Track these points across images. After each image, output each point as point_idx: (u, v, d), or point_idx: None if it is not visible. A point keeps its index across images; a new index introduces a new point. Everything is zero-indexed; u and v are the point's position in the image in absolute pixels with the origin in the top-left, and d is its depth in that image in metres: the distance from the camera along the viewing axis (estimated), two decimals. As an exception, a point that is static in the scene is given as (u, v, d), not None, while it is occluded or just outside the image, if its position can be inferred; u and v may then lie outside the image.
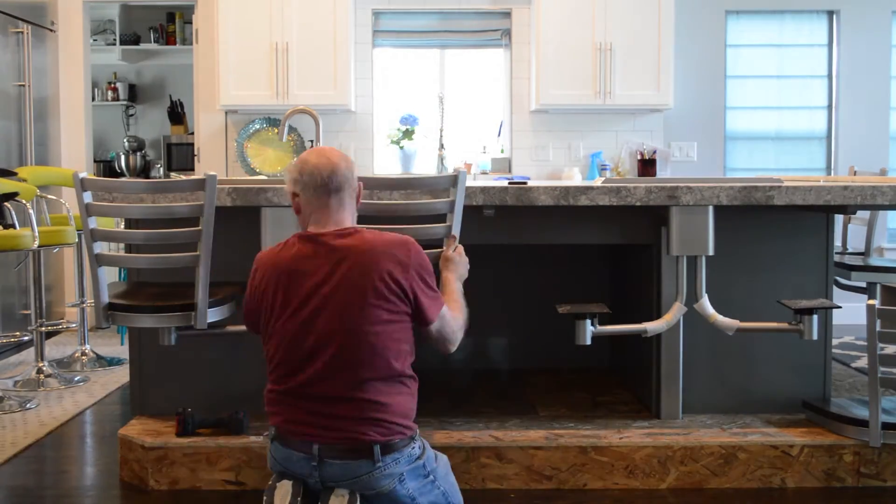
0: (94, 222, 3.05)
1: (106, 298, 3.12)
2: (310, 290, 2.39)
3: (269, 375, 2.47)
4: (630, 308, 3.88)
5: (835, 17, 6.41)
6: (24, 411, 4.16)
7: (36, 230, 4.30)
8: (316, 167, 2.49)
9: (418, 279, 2.44)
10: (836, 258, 4.30)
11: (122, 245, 3.89)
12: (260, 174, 6.19)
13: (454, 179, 2.98)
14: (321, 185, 2.49)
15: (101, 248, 3.12)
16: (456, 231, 3.00)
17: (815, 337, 3.23)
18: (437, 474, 2.47)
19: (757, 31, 6.46)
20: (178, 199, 3.12)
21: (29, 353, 5.38)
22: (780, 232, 3.52)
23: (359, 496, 2.37)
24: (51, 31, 6.14)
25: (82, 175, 3.00)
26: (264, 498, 2.38)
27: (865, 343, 3.03)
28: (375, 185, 3.12)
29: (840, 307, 3.45)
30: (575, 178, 6.02)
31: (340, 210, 2.51)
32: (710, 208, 3.24)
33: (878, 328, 2.98)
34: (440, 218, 3.01)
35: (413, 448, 2.42)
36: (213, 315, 3.12)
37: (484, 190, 3.21)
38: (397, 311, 2.41)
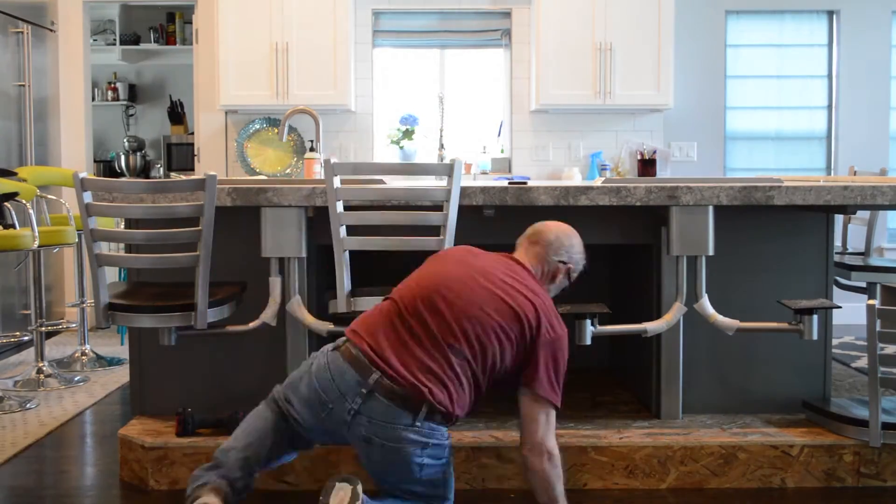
0: (94, 222, 3.05)
1: (106, 298, 3.12)
2: (472, 272, 2.69)
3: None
4: (630, 308, 3.88)
5: (835, 17, 6.41)
6: (24, 411, 4.16)
7: (36, 230, 4.30)
8: (545, 228, 2.90)
9: (550, 351, 2.66)
10: (836, 258, 4.30)
11: (122, 245, 3.89)
12: (260, 174, 6.19)
13: (450, 168, 3.00)
14: (534, 234, 2.91)
15: (100, 248, 3.11)
16: (452, 220, 3.01)
17: (815, 337, 3.23)
18: (449, 462, 2.63)
19: (757, 31, 6.46)
20: (178, 199, 3.12)
21: (29, 353, 5.38)
22: (780, 232, 3.52)
23: (360, 487, 2.46)
24: (51, 31, 6.14)
25: (82, 175, 2.99)
26: (321, 499, 2.46)
27: (865, 343, 3.02)
28: (375, 171, 3.13)
29: (840, 307, 3.45)
30: (575, 178, 6.02)
31: (533, 259, 2.88)
32: (710, 208, 3.24)
33: (878, 328, 2.98)
34: (436, 206, 3.03)
35: (445, 431, 2.59)
36: (213, 315, 3.12)
37: (484, 190, 3.21)
38: (519, 342, 2.63)
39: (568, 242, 2.87)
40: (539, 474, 2.63)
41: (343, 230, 3.03)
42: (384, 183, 3.38)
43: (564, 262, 2.86)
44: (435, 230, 3.05)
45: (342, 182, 3.09)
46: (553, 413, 2.66)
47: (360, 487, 2.46)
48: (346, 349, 2.59)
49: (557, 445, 2.67)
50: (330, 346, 2.66)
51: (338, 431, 2.59)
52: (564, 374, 2.69)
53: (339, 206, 3.02)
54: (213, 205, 3.01)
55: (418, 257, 2.98)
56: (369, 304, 3.06)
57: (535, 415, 2.64)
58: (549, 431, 2.64)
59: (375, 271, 3.40)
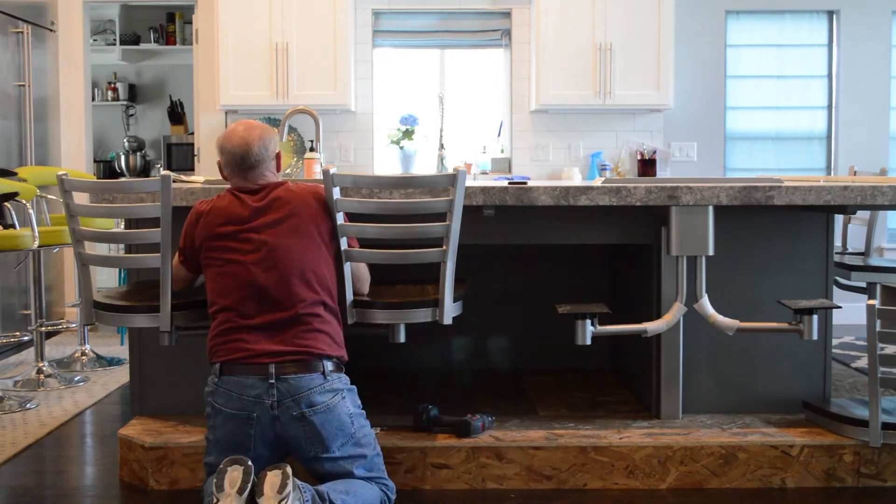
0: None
1: (92, 297, 3.14)
2: (258, 227, 2.81)
3: (219, 312, 2.81)
4: (630, 308, 3.88)
5: (835, 17, 6.41)
6: (24, 411, 4.16)
7: (36, 230, 4.30)
8: (233, 147, 2.87)
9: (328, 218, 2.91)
10: (836, 258, 4.31)
11: (122, 246, 3.90)
12: (260, 174, 6.18)
13: (453, 178, 2.97)
14: (237, 164, 2.88)
15: (101, 248, 3.12)
16: (455, 230, 3.00)
17: (815, 337, 3.23)
18: (363, 416, 2.84)
19: (757, 31, 6.46)
20: (137, 199, 3.18)
21: (29, 353, 5.38)
22: (780, 232, 3.52)
23: (290, 470, 2.55)
24: (51, 31, 6.14)
25: (63, 174, 3.04)
26: (214, 480, 2.54)
27: (865, 343, 3.02)
28: (375, 183, 3.13)
29: (840, 307, 3.45)
30: (575, 178, 6.02)
31: (257, 180, 2.90)
32: (710, 208, 3.24)
33: (878, 328, 2.98)
34: (440, 217, 3.01)
35: (346, 377, 2.83)
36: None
37: (484, 190, 3.21)
38: (328, 245, 2.89)
39: (261, 135, 2.90)
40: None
41: (344, 242, 3.01)
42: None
43: (275, 154, 2.96)
44: (438, 241, 3.03)
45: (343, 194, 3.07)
46: None
47: (289, 469, 2.55)
48: (228, 369, 2.75)
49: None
50: (208, 389, 2.82)
51: (271, 435, 2.72)
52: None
53: (340, 218, 3.00)
54: (170, 206, 2.95)
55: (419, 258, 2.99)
56: (373, 316, 3.06)
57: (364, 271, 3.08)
58: (367, 275, 3.13)
59: (375, 269, 3.40)
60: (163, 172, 2.97)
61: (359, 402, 2.85)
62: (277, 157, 2.95)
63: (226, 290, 2.79)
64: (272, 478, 2.53)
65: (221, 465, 2.58)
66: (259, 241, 2.80)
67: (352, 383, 2.85)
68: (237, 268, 2.79)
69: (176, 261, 2.97)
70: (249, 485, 2.52)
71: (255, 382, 2.70)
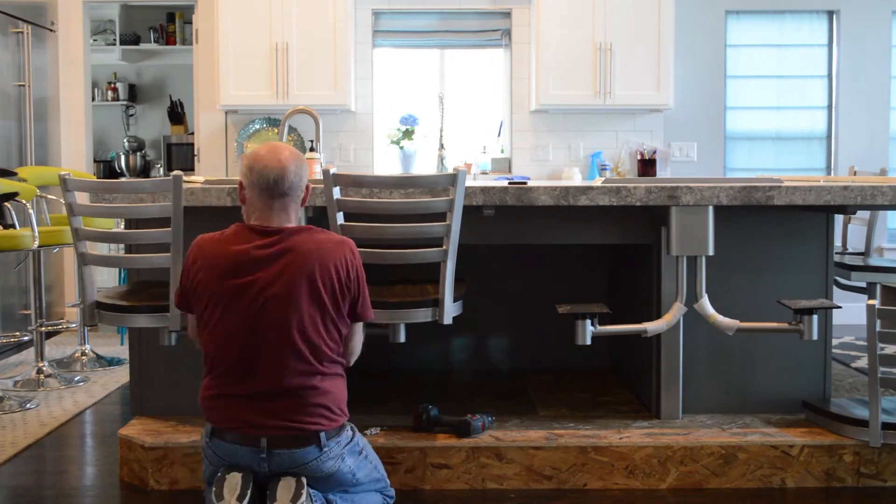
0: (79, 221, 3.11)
1: (93, 297, 3.14)
2: (256, 287, 2.50)
3: (210, 372, 2.60)
4: (630, 308, 3.88)
5: (835, 17, 6.41)
6: (24, 411, 4.16)
7: (36, 230, 4.30)
8: (265, 168, 2.55)
9: (359, 279, 2.62)
10: (836, 258, 4.30)
11: (122, 246, 3.90)
12: (260, 174, 6.18)
13: (454, 178, 2.98)
14: (266, 188, 2.55)
15: (101, 248, 3.12)
16: (455, 230, 3.00)
17: (815, 337, 3.23)
18: (367, 450, 2.71)
19: (757, 31, 6.46)
20: (138, 199, 3.15)
21: (29, 353, 5.38)
22: (780, 232, 3.52)
23: (305, 480, 2.50)
24: (51, 31, 6.14)
25: (65, 174, 3.05)
26: (213, 489, 2.48)
27: (865, 343, 3.02)
28: (375, 183, 3.13)
29: (840, 307, 3.45)
30: (575, 178, 6.02)
31: (283, 213, 2.59)
32: (710, 208, 3.24)
33: (878, 328, 2.98)
34: (440, 217, 3.01)
35: (347, 430, 2.64)
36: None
37: (484, 190, 3.21)
38: (338, 306, 2.56)
39: (295, 166, 2.57)
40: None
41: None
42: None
43: (305, 186, 2.65)
44: (438, 241, 3.03)
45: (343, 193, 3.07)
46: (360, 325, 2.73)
47: (303, 478, 2.50)
48: (218, 433, 2.56)
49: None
50: (203, 442, 2.64)
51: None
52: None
53: (340, 218, 3.00)
54: (181, 205, 2.98)
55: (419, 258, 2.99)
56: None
57: (358, 341, 2.74)
58: (360, 344, 2.77)
59: (375, 269, 3.40)
60: (174, 173, 2.98)
61: (359, 445, 2.66)
62: (307, 189, 2.65)
63: (219, 348, 2.54)
64: (286, 484, 2.47)
65: (220, 474, 2.51)
66: (256, 301, 2.49)
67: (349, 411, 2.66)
68: (231, 326, 2.51)
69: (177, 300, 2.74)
70: (249, 491, 2.46)
71: (246, 453, 2.51)
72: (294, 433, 2.50)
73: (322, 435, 2.52)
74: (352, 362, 2.74)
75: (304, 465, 2.52)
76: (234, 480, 2.48)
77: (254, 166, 2.56)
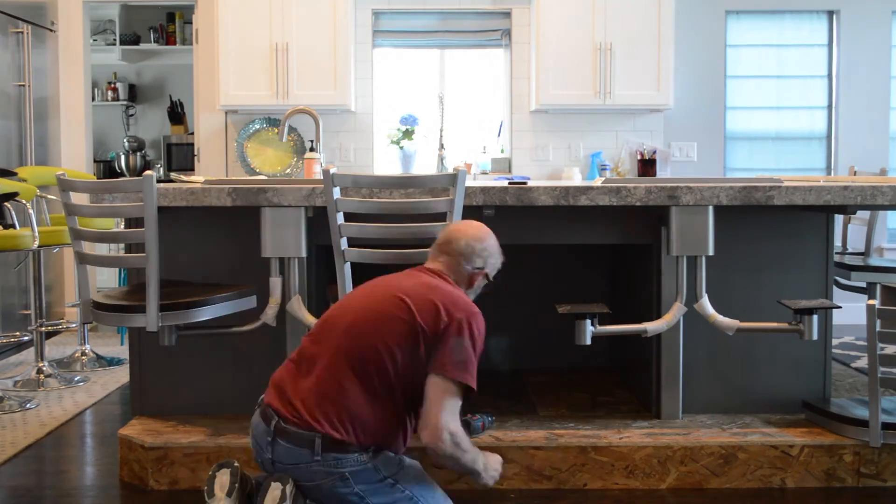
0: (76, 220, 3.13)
1: (89, 296, 3.14)
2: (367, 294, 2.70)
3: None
4: (630, 308, 3.88)
5: (835, 17, 6.41)
6: (24, 411, 4.16)
7: (36, 230, 4.30)
8: (454, 230, 2.82)
9: (454, 338, 2.56)
10: (836, 258, 4.30)
11: (122, 245, 3.90)
12: (260, 174, 6.19)
13: (454, 178, 2.97)
14: (443, 242, 2.81)
15: (101, 248, 3.12)
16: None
17: (815, 337, 3.23)
18: (400, 478, 2.55)
19: (757, 31, 6.46)
20: (130, 199, 3.15)
21: (29, 353, 5.38)
22: (780, 232, 3.52)
23: (295, 487, 2.48)
24: (51, 31, 6.14)
25: (61, 174, 3.07)
26: (206, 488, 2.53)
27: (865, 343, 3.03)
28: (375, 183, 3.13)
29: (840, 307, 3.45)
30: (575, 178, 6.02)
31: (440, 266, 2.81)
32: (710, 208, 3.24)
33: (878, 328, 2.98)
34: (440, 217, 3.01)
35: (362, 455, 2.51)
36: (203, 314, 3.09)
37: (484, 190, 3.21)
38: (425, 341, 2.54)
39: (480, 247, 2.77)
40: (448, 457, 2.54)
41: (344, 241, 3.01)
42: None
43: (480, 268, 2.78)
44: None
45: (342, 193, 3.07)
46: (459, 395, 2.54)
47: (289, 488, 2.47)
48: (260, 403, 2.64)
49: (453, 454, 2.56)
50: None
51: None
52: (477, 359, 2.60)
53: (340, 218, 3.00)
54: (154, 205, 2.98)
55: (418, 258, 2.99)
56: None
57: (437, 397, 2.51)
58: (453, 413, 2.53)
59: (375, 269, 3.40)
60: (146, 173, 2.98)
61: (387, 471, 2.54)
62: (472, 277, 2.77)
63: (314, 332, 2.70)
64: (273, 491, 2.47)
65: (211, 472, 2.56)
66: (370, 288, 2.70)
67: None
68: (332, 317, 2.69)
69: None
70: (237, 484, 2.51)
71: (262, 431, 2.55)
72: (297, 427, 2.49)
73: (318, 440, 2.46)
74: (422, 436, 2.53)
75: (296, 466, 2.50)
76: (224, 478, 2.52)
77: (454, 231, 2.83)
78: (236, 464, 2.57)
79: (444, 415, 2.49)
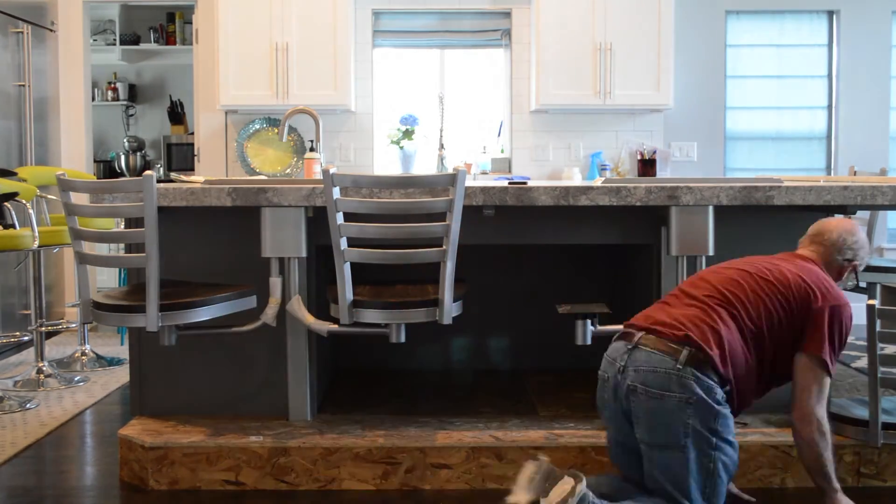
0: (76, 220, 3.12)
1: (89, 296, 3.15)
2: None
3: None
4: (630, 308, 3.87)
5: (835, 17, 6.41)
6: (24, 411, 4.16)
7: (36, 230, 4.30)
8: (827, 223, 2.91)
9: (830, 316, 2.66)
10: (837, 258, 4.29)
11: (122, 245, 3.90)
12: (260, 174, 6.19)
13: (453, 178, 2.98)
14: (815, 233, 2.92)
15: (101, 248, 3.12)
16: (455, 230, 3.00)
17: (815, 337, 3.22)
18: (720, 444, 2.54)
19: (757, 31, 6.46)
20: (129, 199, 3.14)
21: (29, 353, 5.38)
22: (780, 232, 3.52)
23: (587, 490, 2.46)
24: (51, 31, 6.14)
25: (61, 174, 3.06)
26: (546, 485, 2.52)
27: (865, 343, 3.03)
28: (375, 183, 3.13)
29: (840, 307, 3.44)
30: (575, 178, 6.02)
31: (814, 254, 2.89)
32: (710, 208, 3.24)
33: (878, 328, 2.98)
34: (439, 217, 3.01)
35: (716, 388, 2.53)
36: (203, 314, 3.09)
37: (484, 190, 3.21)
38: (793, 308, 2.65)
39: (852, 240, 2.86)
40: (807, 443, 2.68)
41: (344, 241, 3.01)
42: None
43: (850, 260, 2.86)
44: (438, 241, 3.04)
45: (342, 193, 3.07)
46: (827, 382, 2.68)
47: (581, 486, 2.45)
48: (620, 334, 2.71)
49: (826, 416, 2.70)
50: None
51: (620, 410, 2.63)
52: (842, 347, 2.71)
53: (340, 218, 3.00)
54: (155, 205, 2.98)
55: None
56: (372, 316, 3.06)
57: (808, 382, 2.67)
58: (821, 400, 2.68)
59: (375, 269, 3.40)
60: (146, 173, 2.97)
61: (719, 425, 2.54)
62: (841, 269, 2.86)
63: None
64: (564, 485, 2.46)
65: (556, 472, 2.56)
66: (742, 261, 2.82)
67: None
68: (705, 276, 2.80)
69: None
70: (538, 478, 2.51)
71: (620, 347, 2.65)
72: (665, 335, 2.56)
73: (685, 349, 2.51)
74: (793, 416, 2.73)
75: (651, 371, 2.52)
76: (530, 469, 2.54)
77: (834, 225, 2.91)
78: (542, 458, 2.59)
79: (814, 400, 2.66)
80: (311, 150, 6.10)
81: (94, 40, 7.43)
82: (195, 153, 6.44)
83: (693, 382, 2.50)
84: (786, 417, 2.69)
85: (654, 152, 6.26)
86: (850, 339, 2.91)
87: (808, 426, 2.66)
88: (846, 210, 3.32)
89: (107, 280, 6.90)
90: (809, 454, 2.69)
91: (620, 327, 3.31)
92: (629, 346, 2.61)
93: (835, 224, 2.89)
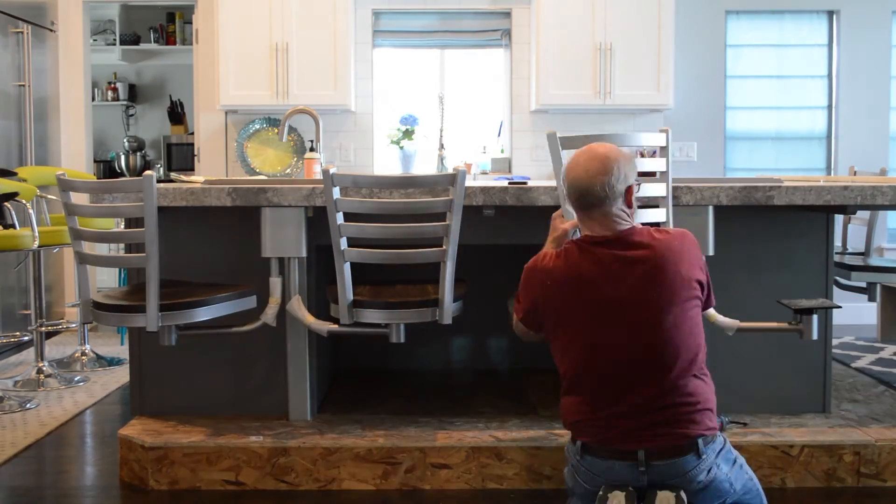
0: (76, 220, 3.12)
1: (89, 296, 3.15)
2: (610, 302, 2.39)
3: (572, 390, 2.47)
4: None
5: (835, 17, 6.41)
6: (24, 411, 4.16)
7: (36, 230, 4.30)
8: (573, 180, 2.47)
9: (705, 267, 2.52)
10: (836, 258, 4.30)
11: (122, 245, 3.90)
12: (260, 174, 6.19)
13: (453, 178, 2.98)
14: (577, 199, 2.47)
15: (101, 248, 3.12)
16: (455, 230, 3.00)
17: (815, 337, 3.22)
18: (740, 460, 2.48)
19: (757, 31, 6.46)
20: (129, 199, 3.14)
21: (29, 353, 5.38)
22: (780, 232, 3.52)
23: (684, 495, 2.36)
24: (51, 31, 6.14)
25: (61, 174, 3.07)
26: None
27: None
28: (375, 184, 3.13)
29: (840, 307, 3.44)
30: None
31: (606, 220, 2.45)
32: (710, 208, 3.24)
33: None
34: (440, 217, 3.01)
35: (718, 436, 2.43)
36: (203, 314, 3.09)
37: (484, 190, 3.21)
38: (694, 304, 2.45)
39: (605, 169, 2.43)
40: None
41: (344, 241, 3.01)
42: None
43: (625, 188, 2.46)
44: (438, 241, 3.04)
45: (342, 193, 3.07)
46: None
47: (683, 495, 2.36)
48: (591, 450, 2.44)
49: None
50: (569, 464, 2.52)
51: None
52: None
53: (340, 218, 3.00)
54: (154, 205, 2.98)
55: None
56: (372, 316, 3.06)
57: None
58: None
59: (375, 269, 3.40)
60: (146, 173, 2.98)
61: (733, 454, 2.45)
62: (628, 191, 2.46)
63: (579, 367, 2.44)
64: (664, 497, 2.34)
65: (601, 492, 2.39)
66: (618, 310, 2.39)
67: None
68: (592, 342, 2.42)
69: (516, 318, 2.66)
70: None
71: (623, 468, 2.38)
72: (673, 441, 2.36)
73: (700, 441, 2.35)
74: None
75: (682, 476, 2.36)
76: (617, 500, 2.38)
77: (567, 176, 2.49)
78: (630, 489, 2.39)
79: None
80: (311, 150, 6.10)
81: (94, 40, 7.43)
82: (195, 153, 6.44)
83: (712, 454, 2.42)
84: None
85: (654, 152, 6.25)
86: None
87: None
88: (846, 210, 3.32)
89: (107, 280, 6.90)
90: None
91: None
92: (640, 469, 2.40)
93: (583, 172, 2.45)
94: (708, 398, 2.42)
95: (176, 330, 3.14)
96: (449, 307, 3.08)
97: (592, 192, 2.43)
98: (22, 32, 5.74)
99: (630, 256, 2.41)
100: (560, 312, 2.47)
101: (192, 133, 7.17)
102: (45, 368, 4.69)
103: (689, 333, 2.42)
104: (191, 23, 6.66)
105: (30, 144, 5.82)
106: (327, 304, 3.29)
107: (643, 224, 2.55)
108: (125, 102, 8.08)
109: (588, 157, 2.47)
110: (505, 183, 3.46)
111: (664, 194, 3.02)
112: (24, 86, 5.76)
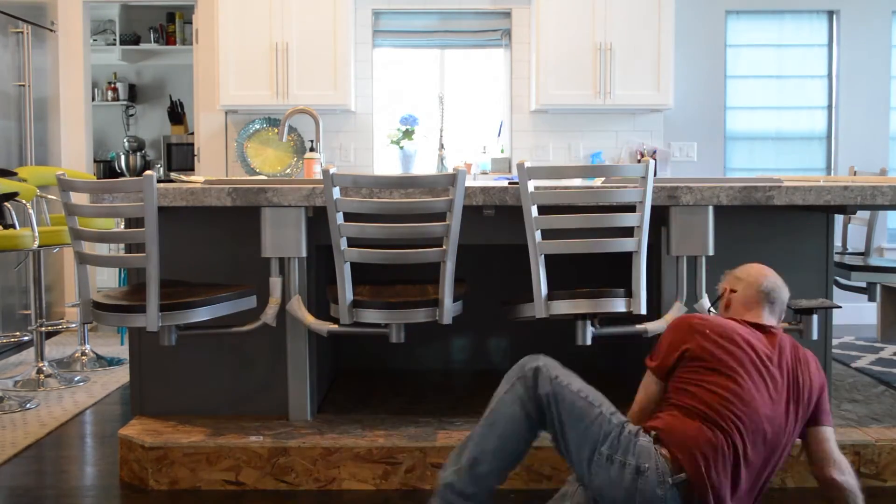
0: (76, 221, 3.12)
1: (89, 296, 3.15)
2: (759, 359, 2.55)
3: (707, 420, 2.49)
4: (630, 308, 3.87)
5: (835, 17, 6.41)
6: (24, 411, 4.16)
7: (36, 230, 4.30)
8: (764, 280, 2.79)
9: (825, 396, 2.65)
10: (836, 258, 4.30)
11: (122, 245, 3.90)
12: (260, 174, 6.19)
13: (453, 178, 2.98)
14: (763, 296, 2.77)
15: (101, 248, 3.12)
16: (455, 230, 3.00)
17: (815, 337, 3.23)
18: None
19: (757, 31, 6.46)
20: (130, 199, 3.14)
21: (29, 353, 5.38)
22: (780, 232, 3.52)
23: None
24: (51, 31, 6.14)
25: (61, 174, 3.07)
26: None
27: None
28: (375, 184, 3.13)
29: (840, 307, 3.44)
30: (575, 179, 6.01)
31: (771, 321, 2.74)
32: (710, 208, 3.24)
33: None
34: (439, 217, 3.01)
35: None
36: (203, 314, 3.09)
37: (484, 190, 3.21)
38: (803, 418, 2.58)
39: (782, 288, 2.82)
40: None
41: (344, 241, 3.01)
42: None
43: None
44: (438, 241, 3.04)
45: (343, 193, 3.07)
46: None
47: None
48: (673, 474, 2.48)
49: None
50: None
51: None
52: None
53: (340, 218, 3.00)
54: (155, 204, 2.98)
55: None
56: (372, 316, 3.06)
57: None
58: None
59: (375, 269, 3.40)
60: (146, 173, 2.98)
61: None
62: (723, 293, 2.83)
63: (714, 406, 2.49)
64: None
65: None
66: (776, 389, 2.53)
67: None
68: (752, 398, 2.48)
69: (650, 378, 2.82)
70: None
71: (672, 496, 2.43)
72: None
73: None
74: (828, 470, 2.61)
75: None
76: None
77: (750, 277, 2.81)
78: None
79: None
80: (311, 150, 6.10)
81: (94, 40, 7.43)
82: (195, 153, 6.44)
83: None
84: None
85: (654, 152, 6.26)
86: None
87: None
88: (846, 210, 3.32)
89: (107, 280, 6.90)
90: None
91: (621, 328, 3.33)
92: None
93: (775, 281, 2.81)
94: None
95: (176, 330, 3.14)
96: (449, 307, 3.08)
97: (779, 295, 2.79)
98: (22, 32, 5.74)
99: (779, 340, 2.65)
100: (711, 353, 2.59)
101: (192, 133, 7.17)
102: (45, 368, 4.69)
103: (791, 439, 2.56)
104: (191, 23, 6.66)
105: (30, 144, 5.82)
106: (327, 304, 3.29)
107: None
108: (125, 102, 8.08)
109: (761, 267, 2.85)
110: (505, 183, 3.46)
111: (638, 223, 3.09)
112: (24, 86, 5.76)
